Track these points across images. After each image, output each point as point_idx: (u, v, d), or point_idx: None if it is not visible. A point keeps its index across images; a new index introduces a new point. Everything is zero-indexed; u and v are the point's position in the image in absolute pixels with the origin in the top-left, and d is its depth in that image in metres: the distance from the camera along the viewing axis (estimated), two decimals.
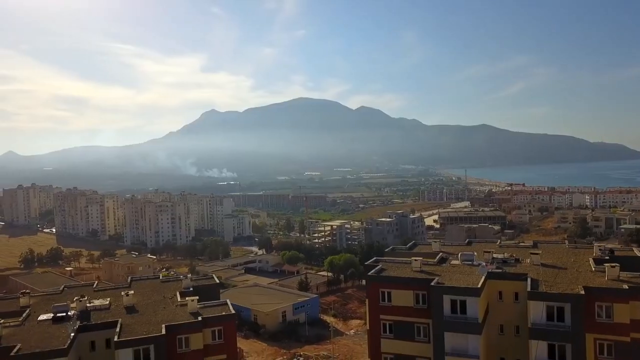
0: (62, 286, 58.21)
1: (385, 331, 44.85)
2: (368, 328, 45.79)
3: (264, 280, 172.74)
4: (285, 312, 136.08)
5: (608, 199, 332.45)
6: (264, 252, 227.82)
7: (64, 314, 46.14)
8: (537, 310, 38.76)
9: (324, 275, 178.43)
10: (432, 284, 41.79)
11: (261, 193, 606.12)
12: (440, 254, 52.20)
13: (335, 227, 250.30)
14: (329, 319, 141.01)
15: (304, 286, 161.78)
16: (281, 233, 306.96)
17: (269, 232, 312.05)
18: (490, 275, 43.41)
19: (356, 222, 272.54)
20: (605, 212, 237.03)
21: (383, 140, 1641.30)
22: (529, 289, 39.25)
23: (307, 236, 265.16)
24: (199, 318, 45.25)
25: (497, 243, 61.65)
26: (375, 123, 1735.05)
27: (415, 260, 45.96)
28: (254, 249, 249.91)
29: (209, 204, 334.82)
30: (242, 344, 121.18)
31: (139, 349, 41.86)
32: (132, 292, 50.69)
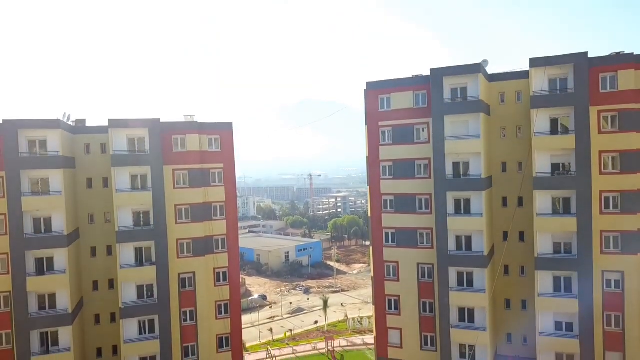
0: None
1: (384, 139, 43.88)
2: (366, 138, 44.86)
3: None
4: (288, 252, 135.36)
5: None
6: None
7: None
8: (538, 81, 37.75)
9: (328, 234, 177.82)
10: (431, 68, 40.87)
11: (266, 186, 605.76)
12: None
13: (340, 197, 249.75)
14: (332, 263, 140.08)
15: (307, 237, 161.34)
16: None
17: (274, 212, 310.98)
18: (492, 78, 42.38)
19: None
20: None
21: None
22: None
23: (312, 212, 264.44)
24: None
25: None
26: None
27: None
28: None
29: None
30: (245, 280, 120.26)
31: (133, 138, 41.28)
32: None
